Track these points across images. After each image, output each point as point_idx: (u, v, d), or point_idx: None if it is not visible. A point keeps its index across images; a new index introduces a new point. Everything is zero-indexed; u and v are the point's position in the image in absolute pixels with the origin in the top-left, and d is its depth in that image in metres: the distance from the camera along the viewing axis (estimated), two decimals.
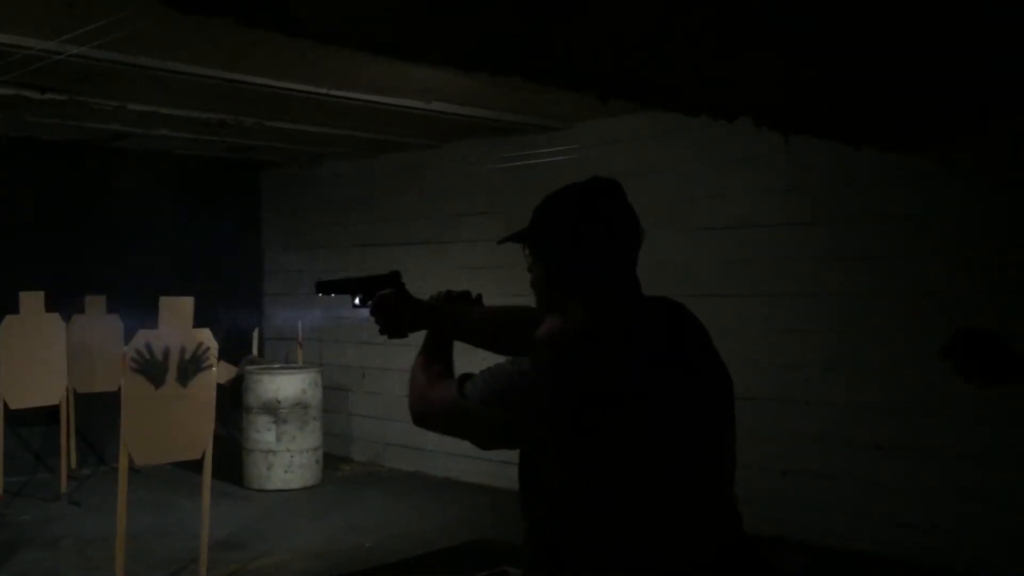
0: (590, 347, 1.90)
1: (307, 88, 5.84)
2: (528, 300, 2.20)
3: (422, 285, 10.02)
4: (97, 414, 8.20)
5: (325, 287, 2.58)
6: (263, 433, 7.70)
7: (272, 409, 7.70)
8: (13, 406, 7.01)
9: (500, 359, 2.01)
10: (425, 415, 2.10)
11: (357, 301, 2.50)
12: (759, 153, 6.07)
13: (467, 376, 2.01)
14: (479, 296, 2.48)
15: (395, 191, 8.76)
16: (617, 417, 1.84)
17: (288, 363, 8.62)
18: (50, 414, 7.59)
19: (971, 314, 4.99)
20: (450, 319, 2.33)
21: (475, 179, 8.07)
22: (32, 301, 7.03)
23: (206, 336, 5.12)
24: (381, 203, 8.89)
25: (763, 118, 4.35)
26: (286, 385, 7.77)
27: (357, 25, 2.82)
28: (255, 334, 8.81)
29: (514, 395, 1.89)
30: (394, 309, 2.37)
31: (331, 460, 8.48)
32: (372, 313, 2.40)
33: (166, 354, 4.92)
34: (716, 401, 2.00)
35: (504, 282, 7.95)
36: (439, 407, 2.04)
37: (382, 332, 2.41)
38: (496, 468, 7.67)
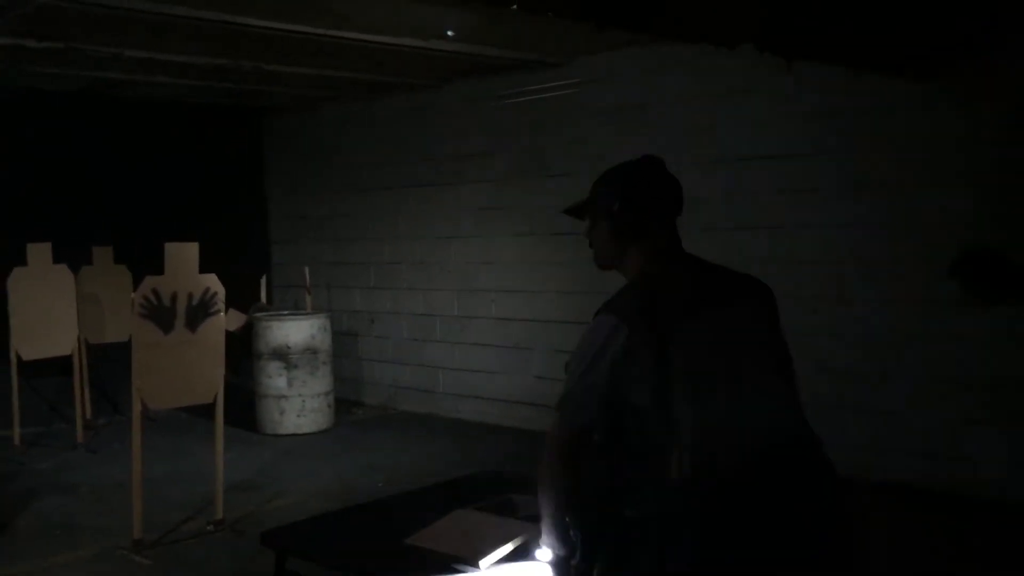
0: (648, 287, 2.32)
1: (305, 29, 5.79)
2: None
3: (427, 227, 9.82)
4: (111, 365, 8.27)
5: None
6: (274, 379, 7.76)
7: (282, 355, 7.75)
8: (26, 357, 7.08)
9: None
10: (550, 452, 2.31)
11: None
12: (761, 84, 6.01)
13: None
14: None
15: (399, 133, 8.70)
16: (675, 341, 2.18)
17: (297, 310, 8.65)
18: (64, 365, 7.65)
19: (981, 241, 4.95)
20: None
21: (477, 118, 8.01)
22: (39, 253, 7.06)
23: (212, 281, 5.14)
24: (385, 146, 8.84)
25: (765, 44, 4.29)
26: (295, 331, 7.81)
27: None
28: (263, 281, 8.82)
29: (590, 346, 2.23)
30: None
31: (344, 405, 8.54)
32: None
33: (173, 299, 4.94)
34: (756, 324, 2.45)
35: (510, 223, 7.98)
36: (552, 431, 2.30)
37: None
38: (505, 408, 7.73)
